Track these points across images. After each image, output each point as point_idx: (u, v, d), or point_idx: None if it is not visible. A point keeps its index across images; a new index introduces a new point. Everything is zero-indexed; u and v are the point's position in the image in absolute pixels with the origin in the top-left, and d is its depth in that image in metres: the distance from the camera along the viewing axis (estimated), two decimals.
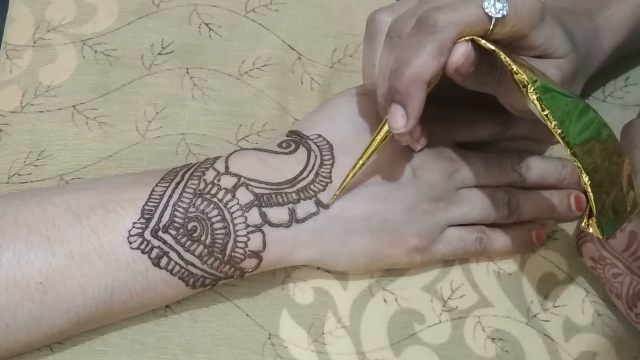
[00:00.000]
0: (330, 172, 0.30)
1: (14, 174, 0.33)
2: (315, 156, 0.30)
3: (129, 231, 0.27)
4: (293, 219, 0.29)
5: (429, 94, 0.29)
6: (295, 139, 0.31)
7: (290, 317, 0.31)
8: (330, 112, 0.32)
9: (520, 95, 0.25)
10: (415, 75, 0.26)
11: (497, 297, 0.33)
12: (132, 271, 0.27)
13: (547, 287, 0.33)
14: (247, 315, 0.31)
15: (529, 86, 0.25)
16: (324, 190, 0.29)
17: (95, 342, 0.30)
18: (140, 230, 0.27)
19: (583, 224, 0.26)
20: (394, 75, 0.26)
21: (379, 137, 0.28)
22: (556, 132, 0.25)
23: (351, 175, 0.29)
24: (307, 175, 0.30)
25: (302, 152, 0.30)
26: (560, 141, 0.25)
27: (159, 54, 0.36)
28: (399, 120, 0.26)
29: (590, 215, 0.26)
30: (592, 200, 0.25)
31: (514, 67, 0.25)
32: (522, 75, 0.25)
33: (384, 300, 0.32)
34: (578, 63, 0.29)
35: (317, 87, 0.36)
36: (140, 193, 0.28)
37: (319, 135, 0.31)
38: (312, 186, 0.29)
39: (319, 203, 0.29)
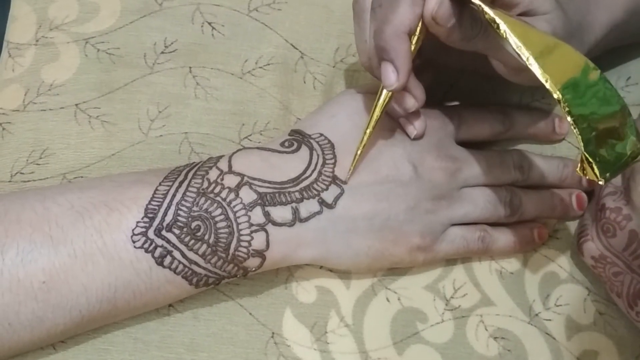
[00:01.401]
0: (333, 171, 0.30)
1: (16, 173, 0.33)
2: (318, 155, 0.30)
3: (133, 230, 0.27)
4: (296, 218, 0.29)
5: (431, 93, 0.29)
6: (298, 138, 0.31)
7: (293, 315, 0.31)
8: (332, 111, 0.32)
9: (502, 42, 0.25)
10: (395, 28, 0.27)
11: (499, 296, 0.33)
12: (135, 270, 0.27)
13: (549, 286, 0.33)
14: (250, 314, 0.31)
15: (500, 24, 0.25)
16: (326, 189, 0.29)
17: (99, 341, 0.30)
18: (143, 229, 0.27)
19: (577, 169, 0.25)
20: (377, 36, 0.28)
21: (380, 102, 0.29)
22: (530, 64, 0.25)
23: (361, 146, 0.29)
24: (310, 175, 0.30)
25: (304, 151, 0.30)
26: (539, 77, 0.25)
27: (162, 52, 0.36)
28: (390, 76, 0.27)
29: (583, 161, 0.25)
30: (579, 137, 0.25)
31: (483, 7, 0.25)
32: (491, 14, 0.25)
33: (387, 299, 0.32)
34: (567, 22, 0.29)
35: (319, 86, 0.36)
36: (143, 192, 0.28)
37: (321, 134, 0.31)
38: (315, 185, 0.29)
39: (322, 202, 0.29)
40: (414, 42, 0.28)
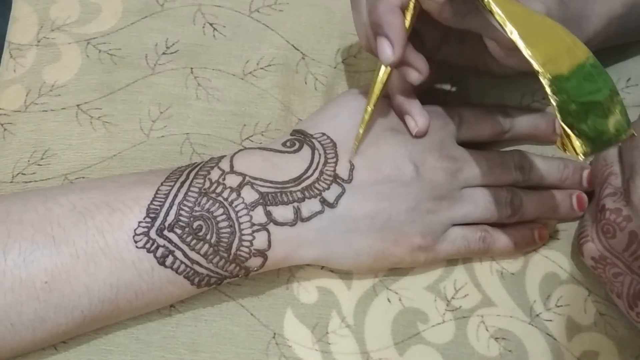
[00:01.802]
0: (334, 171, 0.30)
1: (18, 174, 0.33)
2: (320, 155, 0.30)
3: (135, 230, 0.27)
4: (298, 218, 0.29)
5: (432, 93, 0.29)
6: (299, 138, 0.31)
7: (295, 316, 0.31)
8: (334, 111, 0.32)
9: (489, 17, 0.25)
10: (388, 3, 0.28)
11: (500, 297, 0.33)
12: (137, 270, 0.27)
13: (550, 286, 0.33)
14: (252, 314, 0.31)
15: None
16: (328, 188, 0.29)
17: (100, 342, 0.30)
18: (145, 230, 0.27)
19: (557, 143, 0.25)
20: (372, 13, 0.28)
21: (379, 79, 0.30)
22: (510, 32, 0.25)
23: (363, 125, 0.30)
24: (312, 174, 0.30)
25: (306, 150, 0.30)
26: (519, 46, 0.25)
27: (163, 53, 0.36)
28: (386, 49, 0.28)
29: (563, 136, 0.25)
30: (557, 108, 0.24)
31: None
32: None
33: (388, 299, 0.32)
34: (562, 5, 0.29)
35: (321, 87, 0.36)
36: (145, 192, 0.28)
37: (323, 134, 0.31)
38: (316, 185, 0.29)
39: (323, 201, 0.29)
40: (408, 18, 0.28)
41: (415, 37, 0.32)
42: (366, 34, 0.30)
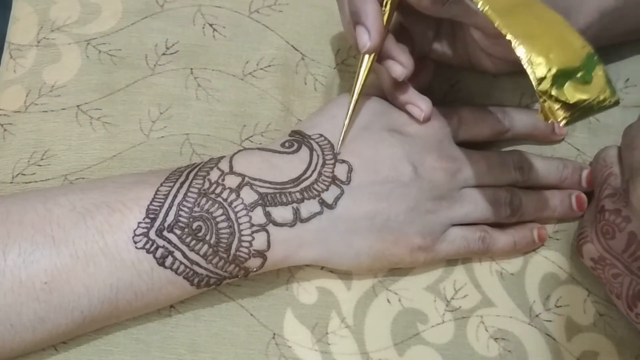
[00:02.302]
0: (333, 172, 0.30)
1: (18, 174, 0.33)
2: (318, 155, 0.30)
3: (134, 231, 0.27)
4: (297, 219, 0.29)
5: (431, 94, 0.29)
6: (298, 139, 0.31)
7: (294, 316, 0.31)
8: (332, 112, 0.32)
9: (471, 2, 0.25)
10: None
11: (500, 297, 0.33)
12: (137, 271, 0.27)
13: (549, 287, 0.33)
14: (252, 315, 0.31)
15: None
16: (327, 190, 0.29)
17: (100, 342, 0.30)
18: (145, 230, 0.27)
19: (538, 114, 0.25)
20: (350, 4, 0.29)
21: (362, 68, 0.30)
22: (485, 10, 0.25)
23: (349, 115, 0.31)
24: (311, 175, 0.30)
25: (304, 151, 0.30)
26: (492, 19, 0.24)
27: (163, 54, 0.36)
28: (363, 36, 0.29)
29: (543, 108, 0.24)
30: (533, 74, 0.24)
31: None
32: None
33: (388, 300, 0.32)
34: None
35: (320, 87, 0.36)
36: (145, 193, 0.28)
37: (321, 135, 0.31)
38: (315, 186, 0.29)
39: (322, 202, 0.29)
40: (387, 8, 0.29)
41: (405, 34, 0.32)
42: (351, 31, 0.30)
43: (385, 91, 0.32)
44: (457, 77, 0.37)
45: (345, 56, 0.37)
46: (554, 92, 0.24)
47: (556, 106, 0.24)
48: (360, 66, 0.30)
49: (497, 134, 0.34)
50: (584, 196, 0.34)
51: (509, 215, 0.33)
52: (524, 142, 0.36)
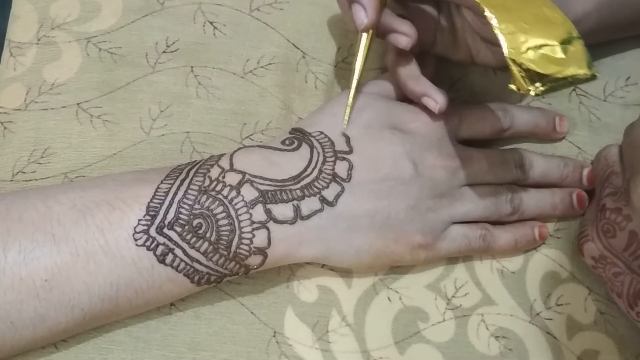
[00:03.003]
0: (333, 169, 0.30)
1: (18, 172, 0.33)
2: (318, 153, 0.30)
3: (134, 228, 0.27)
4: (298, 216, 0.29)
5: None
6: (298, 136, 0.31)
7: (295, 315, 0.31)
8: (333, 109, 0.32)
9: None
10: None
11: (501, 296, 0.33)
12: (137, 268, 0.27)
13: (550, 285, 0.33)
14: (252, 313, 0.31)
15: None
16: (327, 187, 0.29)
17: (100, 340, 0.30)
18: (145, 227, 0.27)
19: (510, 83, 0.24)
20: None
21: (361, 47, 0.31)
22: None
23: (352, 92, 0.31)
24: (311, 172, 0.30)
25: (305, 149, 0.30)
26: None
27: (164, 52, 0.36)
28: (359, 13, 0.29)
29: (515, 78, 0.24)
30: (505, 43, 0.24)
31: None
32: None
33: (388, 298, 0.32)
34: None
35: (321, 85, 0.36)
36: (145, 190, 0.28)
37: (321, 132, 0.31)
38: (315, 183, 0.29)
39: (323, 200, 0.29)
40: None
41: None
42: (348, 12, 0.30)
43: (400, 84, 0.32)
44: (458, 75, 0.37)
45: (346, 54, 0.37)
46: (526, 62, 0.24)
47: (528, 76, 0.24)
48: (359, 45, 0.31)
49: (498, 132, 0.34)
50: (584, 194, 0.34)
51: (510, 213, 0.33)
52: (525, 141, 0.36)
